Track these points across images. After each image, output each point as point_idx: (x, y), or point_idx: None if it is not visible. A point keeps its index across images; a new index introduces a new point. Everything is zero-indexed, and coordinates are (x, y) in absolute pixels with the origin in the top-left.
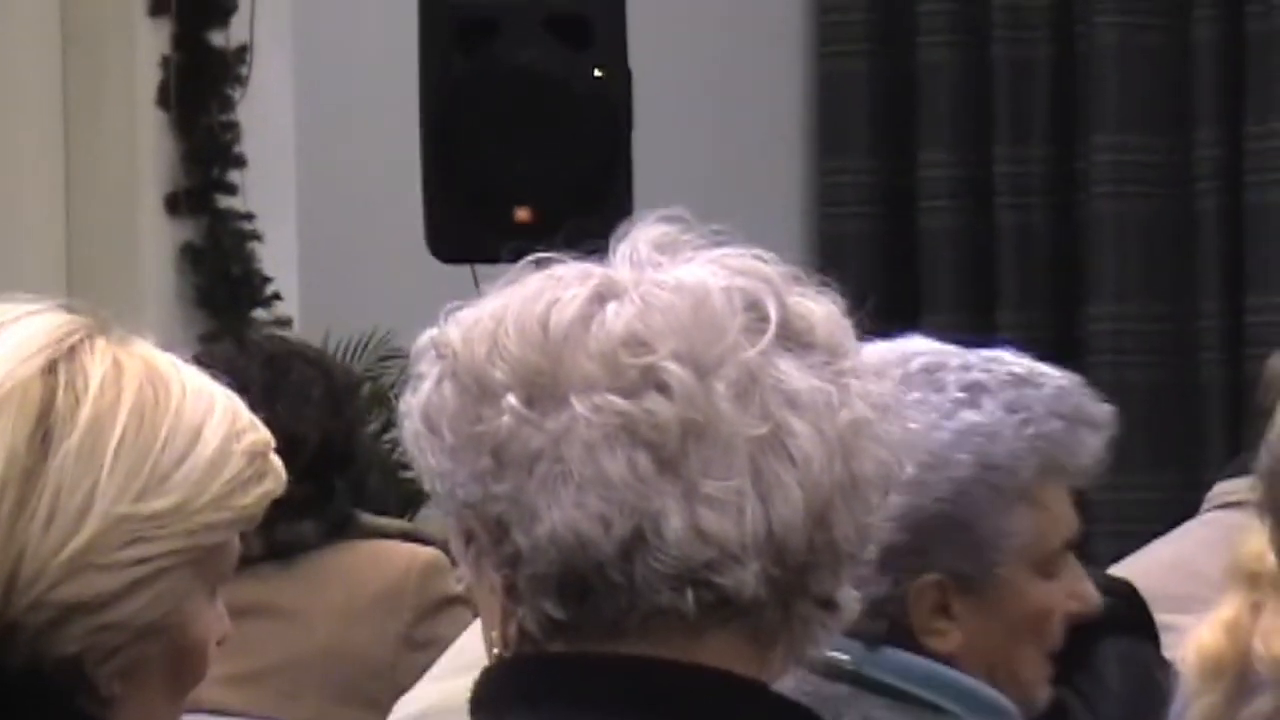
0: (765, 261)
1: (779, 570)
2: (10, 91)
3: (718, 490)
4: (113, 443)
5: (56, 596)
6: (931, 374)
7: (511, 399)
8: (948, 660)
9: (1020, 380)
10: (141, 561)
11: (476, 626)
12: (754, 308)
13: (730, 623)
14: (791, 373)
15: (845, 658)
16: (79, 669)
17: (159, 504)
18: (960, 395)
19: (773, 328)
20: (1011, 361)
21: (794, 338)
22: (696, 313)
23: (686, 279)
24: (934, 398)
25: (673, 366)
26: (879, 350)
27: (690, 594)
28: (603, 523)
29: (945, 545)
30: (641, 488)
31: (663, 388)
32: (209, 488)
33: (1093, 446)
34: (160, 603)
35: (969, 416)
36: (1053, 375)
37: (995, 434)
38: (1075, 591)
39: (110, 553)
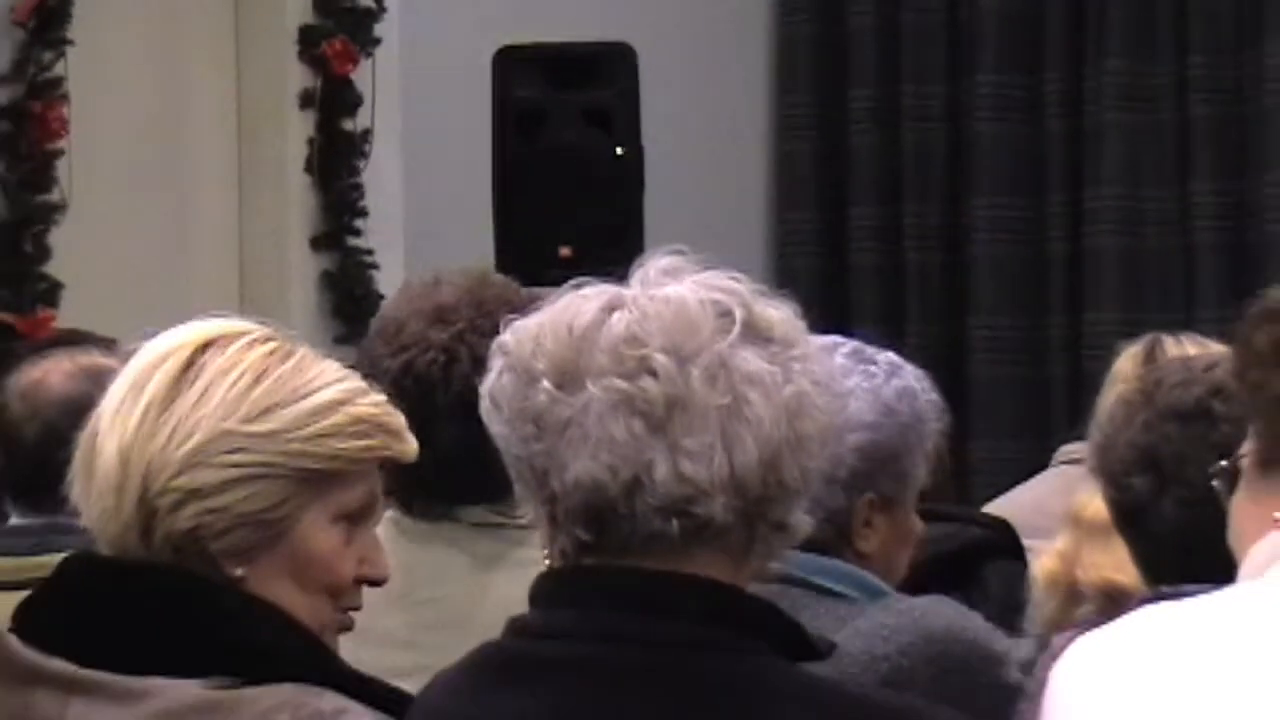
0: (739, 281)
1: (740, 502)
2: (200, 161)
3: (693, 445)
4: (226, 384)
5: (175, 484)
6: (859, 355)
7: (546, 383)
8: (865, 558)
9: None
10: (238, 465)
11: None
12: (725, 314)
13: (708, 543)
14: (750, 359)
15: (776, 564)
16: (200, 546)
17: (258, 427)
18: (887, 368)
19: (738, 326)
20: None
21: (757, 333)
22: (678, 317)
23: (671, 294)
24: (871, 369)
25: (660, 357)
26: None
27: (675, 522)
28: (611, 471)
29: (883, 473)
30: (637, 445)
31: (652, 372)
32: (307, 427)
33: None
34: (255, 499)
35: (899, 382)
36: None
37: (917, 395)
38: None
39: (214, 456)
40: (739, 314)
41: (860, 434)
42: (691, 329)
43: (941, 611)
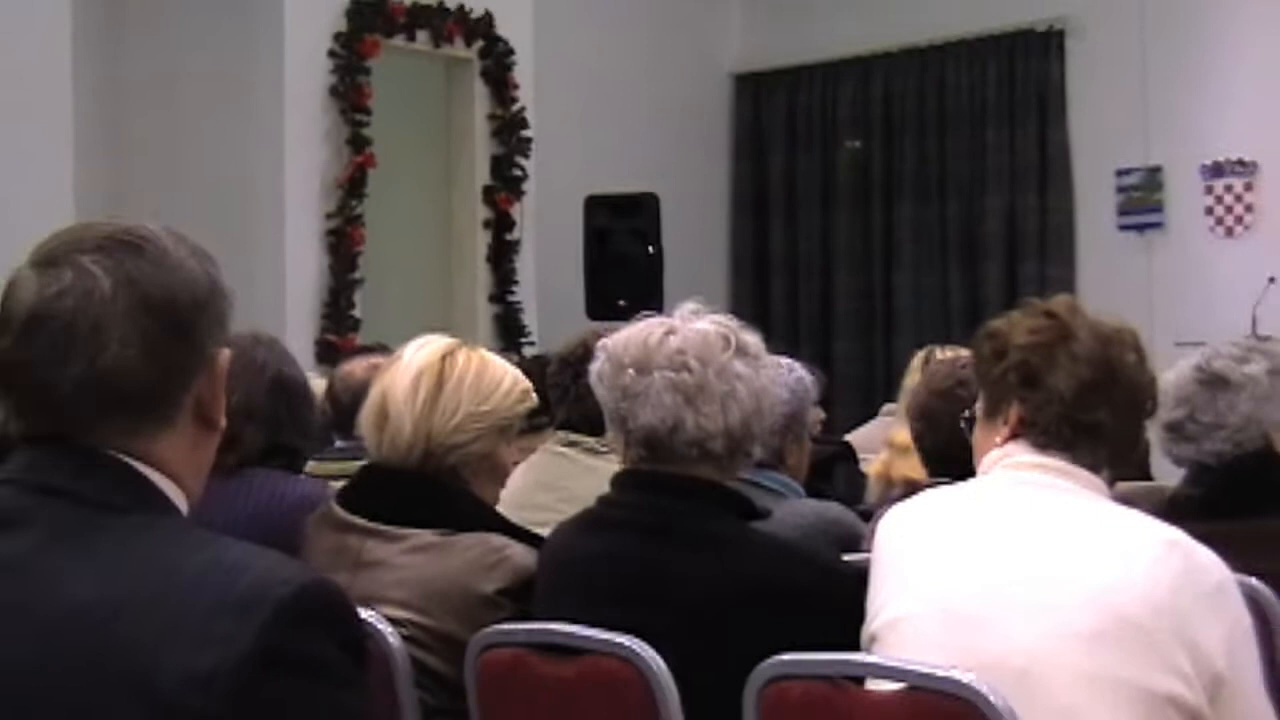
0: (732, 320)
1: (729, 442)
2: (428, 257)
3: (708, 411)
4: (467, 382)
5: (446, 442)
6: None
7: (630, 371)
8: (792, 467)
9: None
10: (478, 430)
11: None
12: (726, 338)
13: (708, 462)
14: (739, 366)
15: (746, 476)
16: (456, 471)
17: (485, 407)
18: (786, 368)
19: (734, 346)
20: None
21: (743, 351)
22: (704, 341)
23: (700, 328)
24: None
25: (693, 362)
26: None
27: (694, 450)
28: (662, 422)
29: (794, 424)
30: (677, 409)
31: (689, 370)
32: (505, 402)
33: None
34: (486, 446)
35: (793, 375)
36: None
37: (803, 379)
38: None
39: (467, 426)
40: (734, 339)
41: (781, 407)
42: (710, 348)
43: (834, 508)
